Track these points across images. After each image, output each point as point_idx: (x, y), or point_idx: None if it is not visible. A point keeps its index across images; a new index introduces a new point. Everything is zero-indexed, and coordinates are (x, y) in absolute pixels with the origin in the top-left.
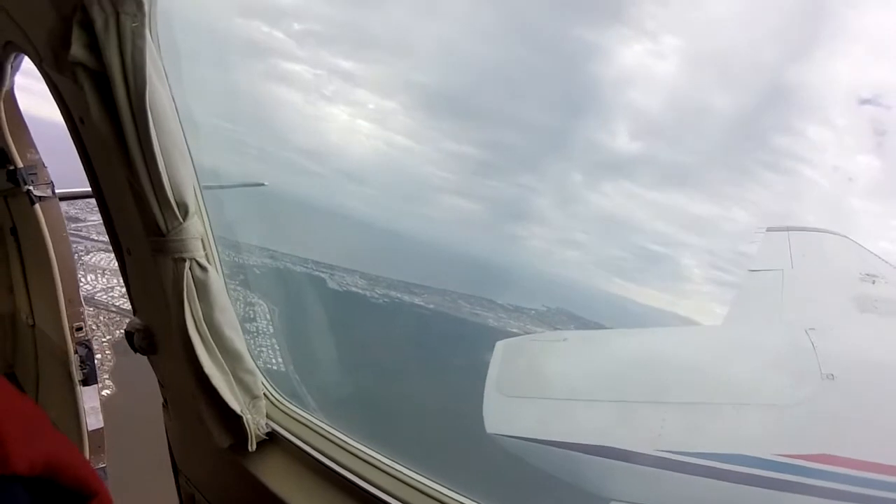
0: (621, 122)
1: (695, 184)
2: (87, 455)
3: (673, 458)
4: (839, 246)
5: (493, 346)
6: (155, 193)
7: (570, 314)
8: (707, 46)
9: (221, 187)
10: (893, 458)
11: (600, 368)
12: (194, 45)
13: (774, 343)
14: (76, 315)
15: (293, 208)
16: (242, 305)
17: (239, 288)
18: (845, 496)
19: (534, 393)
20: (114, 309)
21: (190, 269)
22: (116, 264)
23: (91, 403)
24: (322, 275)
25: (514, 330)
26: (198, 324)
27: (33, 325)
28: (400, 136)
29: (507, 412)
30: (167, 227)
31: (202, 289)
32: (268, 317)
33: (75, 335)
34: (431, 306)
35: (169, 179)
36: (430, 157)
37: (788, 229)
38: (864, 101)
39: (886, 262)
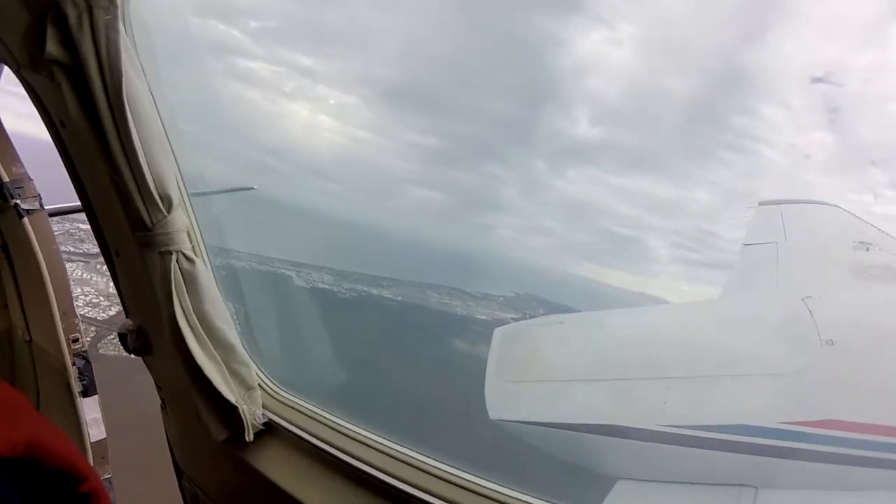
0: (582, 110)
1: (657, 166)
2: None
3: (677, 432)
4: (831, 216)
5: (460, 331)
6: (138, 187)
7: (539, 299)
8: (662, 33)
9: (212, 193)
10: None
11: (599, 348)
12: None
13: (772, 313)
14: (72, 327)
15: (257, 207)
16: None
17: None
18: (853, 460)
19: (534, 377)
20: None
21: (177, 261)
22: (79, 273)
23: (92, 415)
24: (288, 272)
25: (482, 317)
26: (188, 316)
27: (30, 341)
28: (362, 131)
29: (508, 397)
30: (152, 221)
31: (190, 281)
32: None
33: (72, 347)
34: (400, 298)
35: (151, 172)
36: (394, 150)
37: (780, 202)
38: (816, 80)
39: (880, 230)
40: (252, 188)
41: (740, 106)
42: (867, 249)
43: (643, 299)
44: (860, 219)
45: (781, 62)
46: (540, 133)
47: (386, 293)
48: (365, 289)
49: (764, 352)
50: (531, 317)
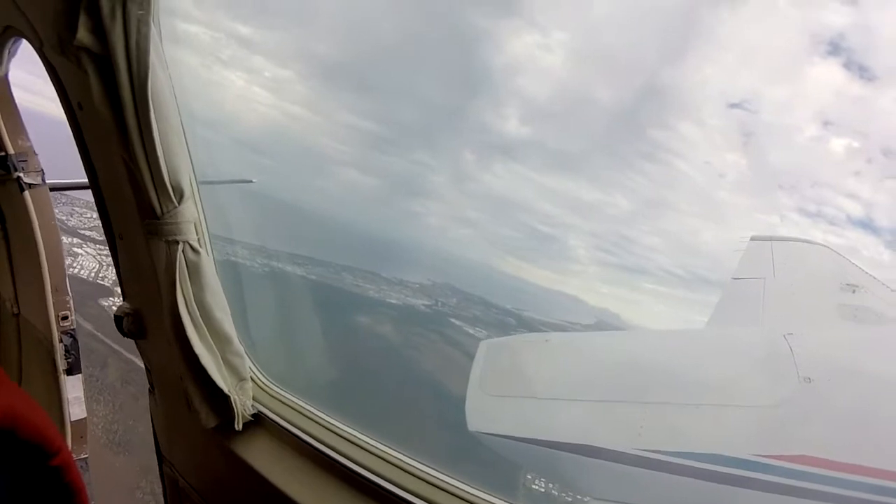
0: (512, 108)
1: (579, 169)
2: (69, 445)
3: (652, 456)
4: (821, 256)
5: (365, 311)
6: (152, 176)
7: (455, 289)
8: (591, 43)
9: (210, 183)
10: (868, 459)
11: (582, 369)
12: None
13: (753, 347)
14: (62, 304)
15: None
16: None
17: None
18: (822, 496)
19: (516, 392)
20: None
21: (183, 251)
22: None
23: (74, 393)
24: None
25: (393, 301)
26: (188, 306)
27: (18, 314)
28: (296, 106)
29: (489, 411)
30: (162, 210)
31: (194, 271)
32: None
33: (61, 324)
34: (313, 277)
35: (166, 163)
36: (326, 129)
37: (771, 239)
38: (733, 105)
39: (867, 273)
40: (251, 181)
41: (659, 120)
42: (853, 291)
43: (561, 297)
44: (849, 261)
45: (700, 85)
46: (471, 126)
47: (299, 271)
48: (279, 265)
49: (743, 384)
50: (444, 305)
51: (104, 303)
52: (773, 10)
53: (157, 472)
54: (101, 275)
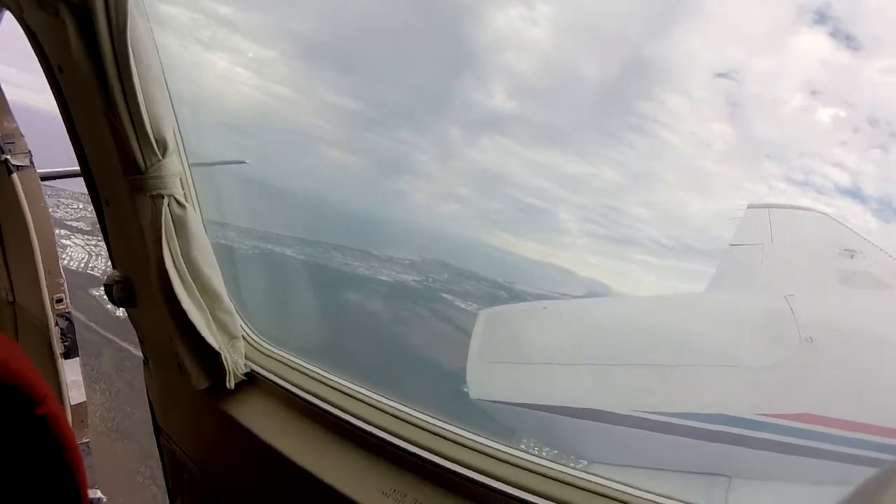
0: (497, 83)
1: (566, 142)
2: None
3: (654, 418)
4: (819, 223)
5: (351, 285)
6: (134, 129)
7: (446, 264)
8: (576, 16)
9: (204, 164)
10: (869, 416)
11: (580, 334)
12: None
13: (754, 309)
14: (56, 287)
15: None
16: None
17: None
18: (826, 454)
19: (516, 359)
20: None
21: (168, 206)
22: None
23: (73, 377)
24: None
25: (384, 278)
26: (175, 261)
27: (13, 302)
28: (279, 86)
29: (490, 378)
30: (146, 164)
31: (180, 226)
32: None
33: (56, 307)
34: (302, 257)
35: (148, 114)
36: (311, 109)
37: (769, 206)
38: (720, 75)
39: (865, 239)
40: (244, 162)
41: (645, 92)
42: (852, 256)
43: (551, 270)
44: (847, 227)
45: (686, 56)
46: (457, 102)
47: (288, 251)
48: (267, 246)
49: (744, 345)
50: (434, 280)
51: (95, 292)
52: None
53: (158, 458)
54: (90, 265)
